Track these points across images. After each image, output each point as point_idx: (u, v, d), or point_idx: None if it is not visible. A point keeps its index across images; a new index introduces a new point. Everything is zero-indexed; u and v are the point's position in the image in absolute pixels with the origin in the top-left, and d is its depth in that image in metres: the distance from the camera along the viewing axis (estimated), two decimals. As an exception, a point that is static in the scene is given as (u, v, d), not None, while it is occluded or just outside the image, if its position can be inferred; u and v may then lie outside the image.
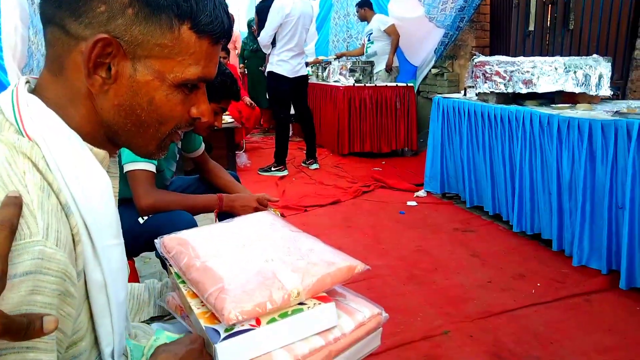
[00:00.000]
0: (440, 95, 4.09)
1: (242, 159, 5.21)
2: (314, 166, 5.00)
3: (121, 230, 0.71)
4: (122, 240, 0.70)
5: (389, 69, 5.71)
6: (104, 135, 0.70)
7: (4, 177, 0.55)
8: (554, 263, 2.70)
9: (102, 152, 0.69)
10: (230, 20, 0.71)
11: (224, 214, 1.81)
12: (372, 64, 5.68)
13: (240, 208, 1.82)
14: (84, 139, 0.67)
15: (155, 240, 1.01)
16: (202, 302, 0.83)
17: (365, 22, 5.95)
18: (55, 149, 0.61)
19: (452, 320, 2.14)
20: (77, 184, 0.62)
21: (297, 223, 3.21)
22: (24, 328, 0.48)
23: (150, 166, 1.72)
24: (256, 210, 1.83)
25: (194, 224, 1.73)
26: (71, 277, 0.57)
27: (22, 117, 0.62)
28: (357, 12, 5.98)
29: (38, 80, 0.68)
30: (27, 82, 0.68)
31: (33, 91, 0.67)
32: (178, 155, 2.06)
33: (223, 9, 0.68)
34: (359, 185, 4.28)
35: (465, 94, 3.84)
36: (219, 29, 0.67)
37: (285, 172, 4.79)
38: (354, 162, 5.23)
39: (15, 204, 0.52)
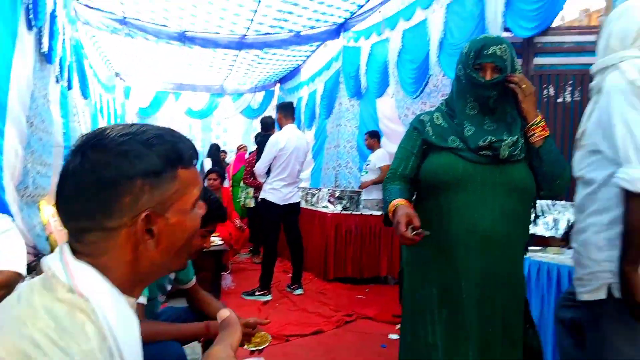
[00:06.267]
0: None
1: (226, 281, 5.22)
2: (298, 291, 5.02)
3: None
4: None
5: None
6: (138, 282, 0.85)
7: (68, 328, 0.72)
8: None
9: (132, 300, 0.84)
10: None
11: (210, 342, 1.87)
12: (359, 193, 5.98)
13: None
14: (122, 291, 0.81)
15: None
16: None
17: (370, 151, 6.26)
18: (104, 304, 0.76)
19: None
20: (121, 330, 0.77)
21: (279, 354, 3.22)
22: None
23: (142, 299, 1.82)
24: (243, 336, 1.90)
25: (182, 355, 1.80)
26: None
27: (75, 280, 0.76)
28: (366, 139, 6.26)
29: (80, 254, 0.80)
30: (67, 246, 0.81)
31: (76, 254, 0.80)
32: (169, 287, 2.17)
33: (187, 139, 0.89)
34: (342, 314, 4.30)
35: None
36: (195, 156, 0.89)
37: (269, 297, 4.80)
38: (339, 289, 5.27)
39: None
